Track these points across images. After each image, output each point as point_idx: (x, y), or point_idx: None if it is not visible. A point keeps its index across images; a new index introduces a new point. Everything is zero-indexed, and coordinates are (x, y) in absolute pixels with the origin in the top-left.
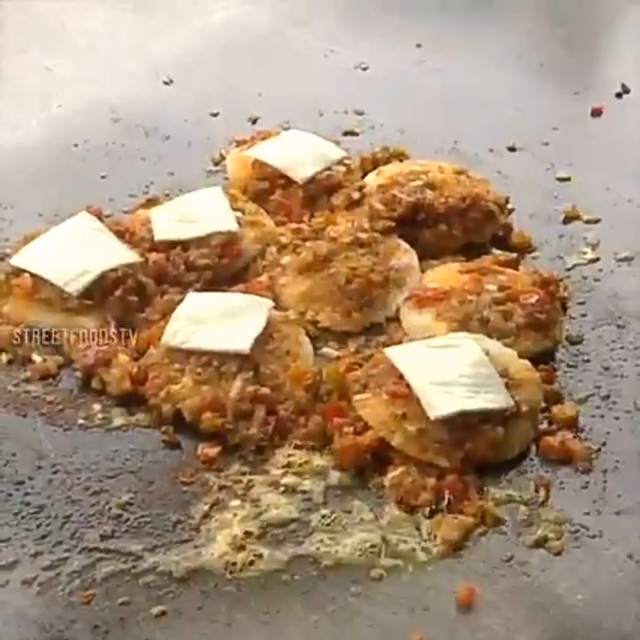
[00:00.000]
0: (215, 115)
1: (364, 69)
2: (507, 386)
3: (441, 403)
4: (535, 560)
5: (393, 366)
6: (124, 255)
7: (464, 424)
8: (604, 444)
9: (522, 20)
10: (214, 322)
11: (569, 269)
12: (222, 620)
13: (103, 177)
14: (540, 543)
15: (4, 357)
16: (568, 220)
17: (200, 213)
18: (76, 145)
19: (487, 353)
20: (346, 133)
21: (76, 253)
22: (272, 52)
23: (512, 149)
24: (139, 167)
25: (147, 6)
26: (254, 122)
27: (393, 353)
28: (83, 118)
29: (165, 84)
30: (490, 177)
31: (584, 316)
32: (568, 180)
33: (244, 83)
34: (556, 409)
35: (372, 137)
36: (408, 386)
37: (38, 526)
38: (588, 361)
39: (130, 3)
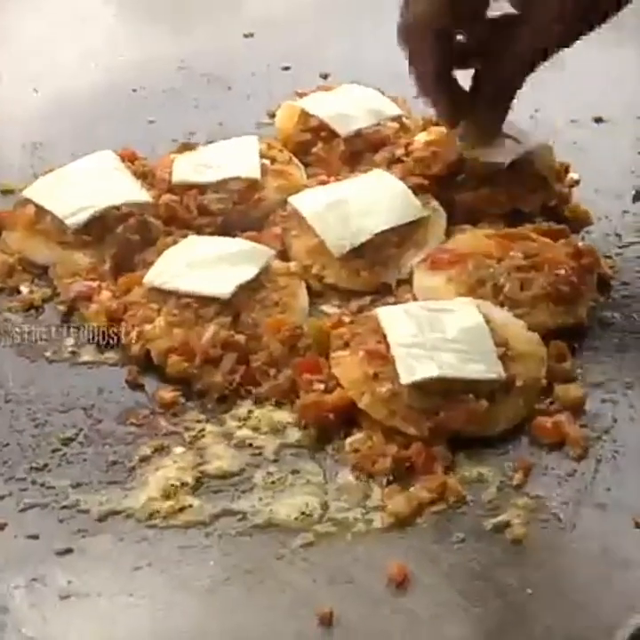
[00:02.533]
0: (286, 68)
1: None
2: (503, 357)
3: (417, 367)
4: (489, 546)
5: (379, 325)
6: (134, 194)
7: (442, 392)
8: (607, 431)
9: None
10: (205, 265)
11: (622, 247)
12: (127, 566)
13: (151, 122)
14: (500, 529)
15: None
16: (639, 198)
17: (225, 159)
18: (134, 90)
19: (488, 321)
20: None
21: (84, 188)
22: (366, 14)
23: (598, 120)
24: (190, 114)
25: None
26: (325, 77)
27: (383, 311)
28: (149, 65)
29: (245, 37)
30: (564, 147)
31: (626, 297)
32: None
33: (328, 40)
34: (558, 389)
35: None
36: (389, 346)
37: None
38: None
39: None
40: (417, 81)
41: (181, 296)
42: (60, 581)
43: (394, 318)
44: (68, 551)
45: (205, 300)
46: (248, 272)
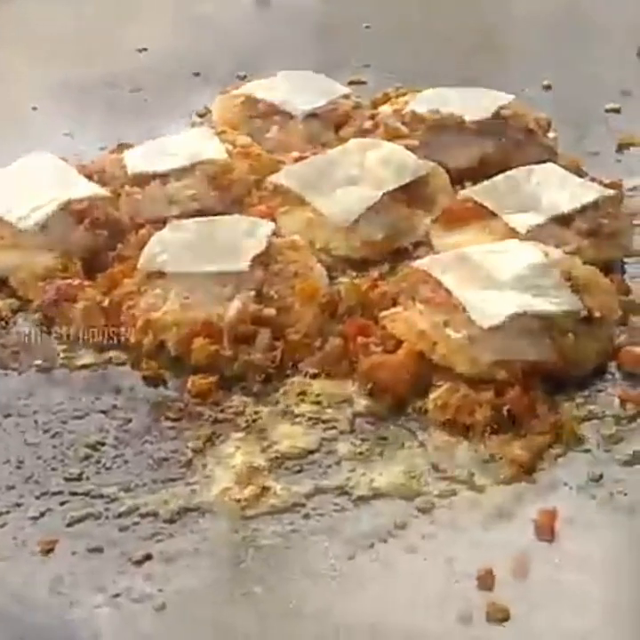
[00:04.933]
0: (196, 74)
1: (367, 28)
2: (573, 290)
3: (491, 309)
4: (633, 478)
5: (427, 277)
6: (90, 189)
7: (523, 332)
8: None
9: None
10: (203, 244)
11: (630, 189)
12: (228, 562)
13: (67, 134)
14: (638, 459)
15: None
16: (623, 146)
17: (183, 147)
18: (34, 108)
19: (546, 255)
20: (351, 83)
21: (31, 188)
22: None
23: (548, 88)
24: (111, 125)
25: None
26: (243, 78)
27: (427, 262)
28: (41, 85)
29: (139, 51)
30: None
31: None
32: (618, 111)
33: (229, 42)
34: (635, 319)
35: (381, 85)
36: (448, 293)
37: None
38: None
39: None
40: None
41: (187, 277)
42: (149, 591)
43: (444, 266)
44: (147, 558)
45: (219, 278)
46: (257, 244)
